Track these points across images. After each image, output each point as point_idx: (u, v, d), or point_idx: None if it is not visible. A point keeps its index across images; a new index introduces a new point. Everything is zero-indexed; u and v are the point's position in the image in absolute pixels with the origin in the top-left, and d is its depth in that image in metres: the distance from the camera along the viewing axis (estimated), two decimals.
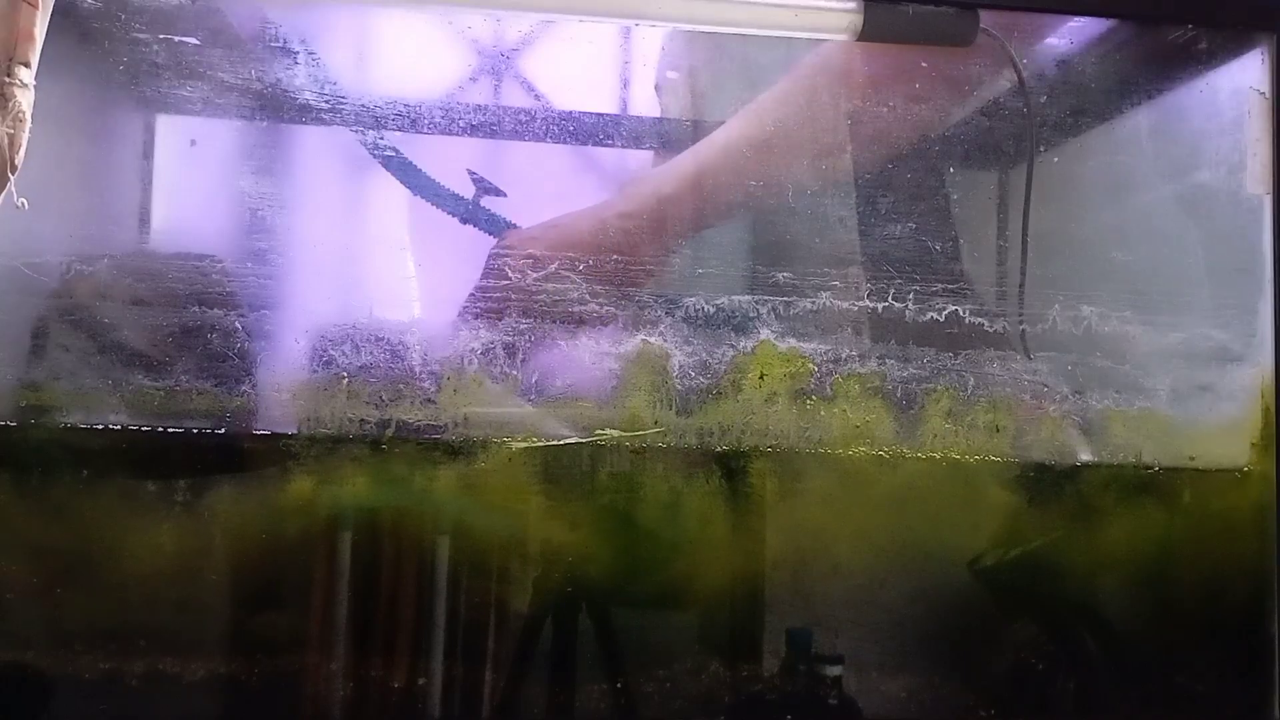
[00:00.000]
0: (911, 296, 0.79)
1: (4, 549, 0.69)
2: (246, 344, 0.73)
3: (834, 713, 0.75)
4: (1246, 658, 0.79)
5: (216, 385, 0.72)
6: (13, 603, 0.69)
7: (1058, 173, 0.85)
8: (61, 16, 0.62)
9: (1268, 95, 0.81)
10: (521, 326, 0.75)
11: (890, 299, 0.79)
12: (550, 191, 0.84)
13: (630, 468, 0.74)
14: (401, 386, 0.73)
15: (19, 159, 0.59)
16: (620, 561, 0.75)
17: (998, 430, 0.78)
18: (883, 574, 0.77)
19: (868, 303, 0.79)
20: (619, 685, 0.74)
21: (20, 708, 0.70)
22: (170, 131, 0.79)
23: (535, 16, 0.83)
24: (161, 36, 0.75)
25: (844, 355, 0.77)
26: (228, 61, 0.76)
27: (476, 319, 0.75)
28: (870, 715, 0.77)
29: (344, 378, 0.73)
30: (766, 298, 0.77)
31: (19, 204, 0.60)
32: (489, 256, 0.79)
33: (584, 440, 0.74)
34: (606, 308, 0.76)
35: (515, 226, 0.82)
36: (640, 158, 0.89)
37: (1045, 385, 0.79)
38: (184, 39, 0.75)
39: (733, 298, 0.77)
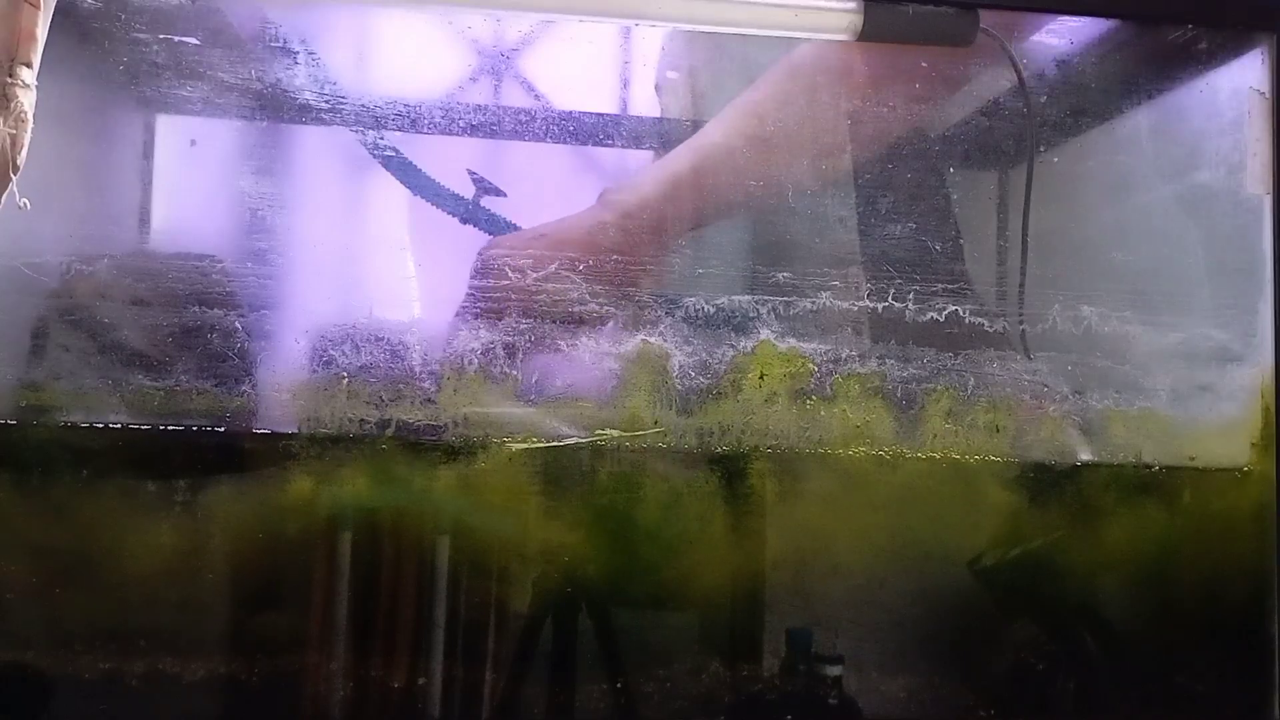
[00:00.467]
0: (911, 296, 0.79)
1: (4, 549, 0.69)
2: (246, 344, 0.73)
3: (834, 713, 0.75)
4: (1246, 658, 0.79)
5: (216, 385, 0.72)
6: (13, 603, 0.69)
7: (1058, 173, 0.85)
8: (62, 16, 0.62)
9: (1268, 95, 0.81)
10: (522, 327, 0.75)
11: (890, 299, 0.79)
12: (550, 191, 0.84)
13: (630, 468, 0.74)
14: (401, 386, 0.73)
15: (20, 159, 0.59)
16: (620, 561, 0.75)
17: (998, 430, 0.78)
18: (883, 574, 0.77)
19: (868, 303, 0.79)
20: (619, 685, 0.74)
21: (20, 708, 0.70)
22: (170, 131, 0.79)
23: (535, 16, 0.83)
24: (161, 36, 0.75)
25: (844, 355, 0.77)
26: (228, 61, 0.76)
27: (472, 321, 0.75)
28: (870, 715, 0.77)
29: (344, 378, 0.73)
30: (766, 298, 0.77)
31: (21, 204, 0.60)
32: (472, 265, 0.79)
33: (584, 440, 0.74)
34: (605, 308, 0.76)
35: (516, 227, 0.82)
36: (640, 158, 0.89)
37: (1045, 385, 0.79)
38: (184, 39, 0.75)
39: (733, 298, 0.77)
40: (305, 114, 0.77)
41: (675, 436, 0.75)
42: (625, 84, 0.86)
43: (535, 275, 0.76)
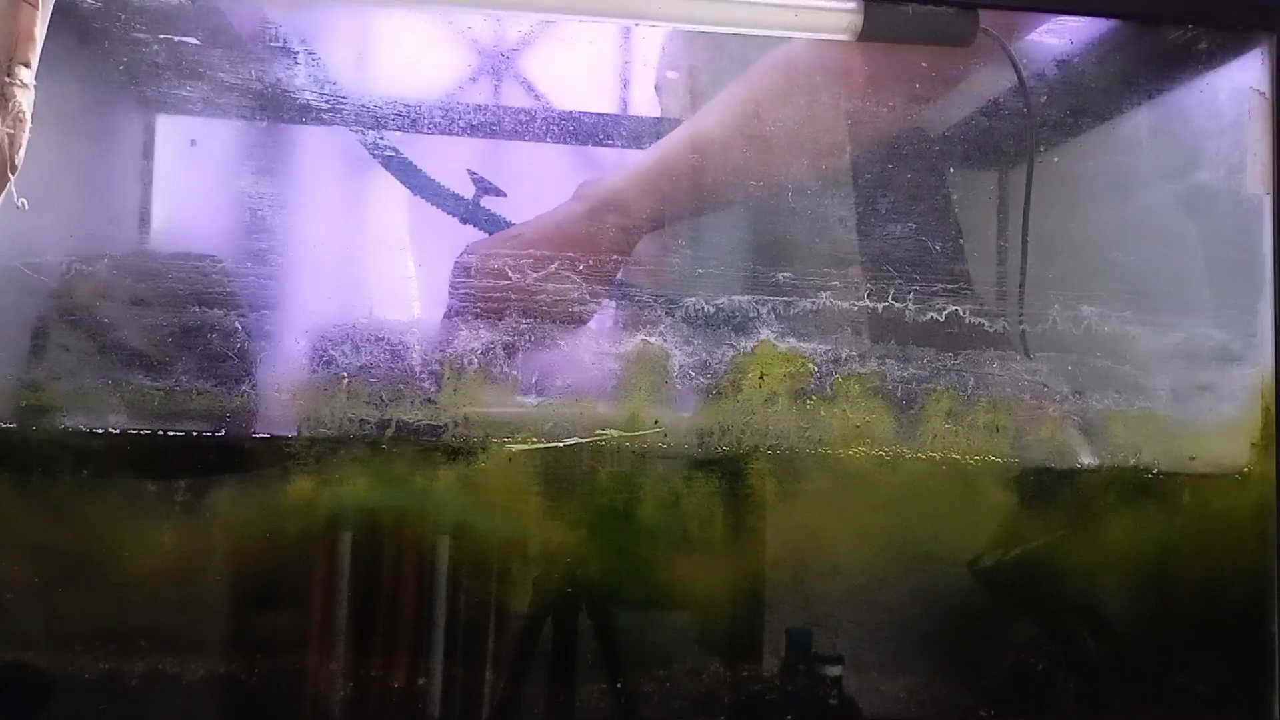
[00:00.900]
0: (911, 296, 0.79)
1: (4, 549, 0.69)
2: (246, 344, 0.73)
3: (834, 713, 0.75)
4: (1246, 658, 0.79)
5: (216, 385, 0.72)
6: (13, 603, 0.69)
7: (1058, 173, 0.85)
8: (61, 16, 0.62)
9: (1268, 95, 0.81)
10: (520, 327, 0.75)
11: (890, 299, 0.79)
12: (551, 192, 0.84)
13: (630, 468, 0.74)
14: (401, 386, 0.73)
15: (19, 159, 0.59)
16: (620, 561, 0.75)
17: (998, 430, 0.78)
18: (883, 574, 0.77)
19: (868, 303, 0.79)
20: (619, 685, 0.74)
21: (20, 708, 0.69)
22: (170, 131, 0.79)
23: (535, 16, 0.83)
24: (161, 36, 0.75)
25: (844, 355, 0.77)
26: (228, 61, 0.76)
27: (459, 324, 0.75)
28: (870, 715, 0.77)
29: (344, 378, 0.73)
30: (766, 298, 0.77)
31: (19, 204, 0.60)
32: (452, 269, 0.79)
33: (584, 440, 0.74)
34: (593, 303, 0.76)
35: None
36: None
37: (1045, 385, 0.79)
38: (184, 39, 0.75)
39: (733, 298, 0.77)
40: (305, 114, 0.77)
41: (675, 436, 0.75)
42: (625, 84, 0.86)
43: (516, 276, 0.76)
